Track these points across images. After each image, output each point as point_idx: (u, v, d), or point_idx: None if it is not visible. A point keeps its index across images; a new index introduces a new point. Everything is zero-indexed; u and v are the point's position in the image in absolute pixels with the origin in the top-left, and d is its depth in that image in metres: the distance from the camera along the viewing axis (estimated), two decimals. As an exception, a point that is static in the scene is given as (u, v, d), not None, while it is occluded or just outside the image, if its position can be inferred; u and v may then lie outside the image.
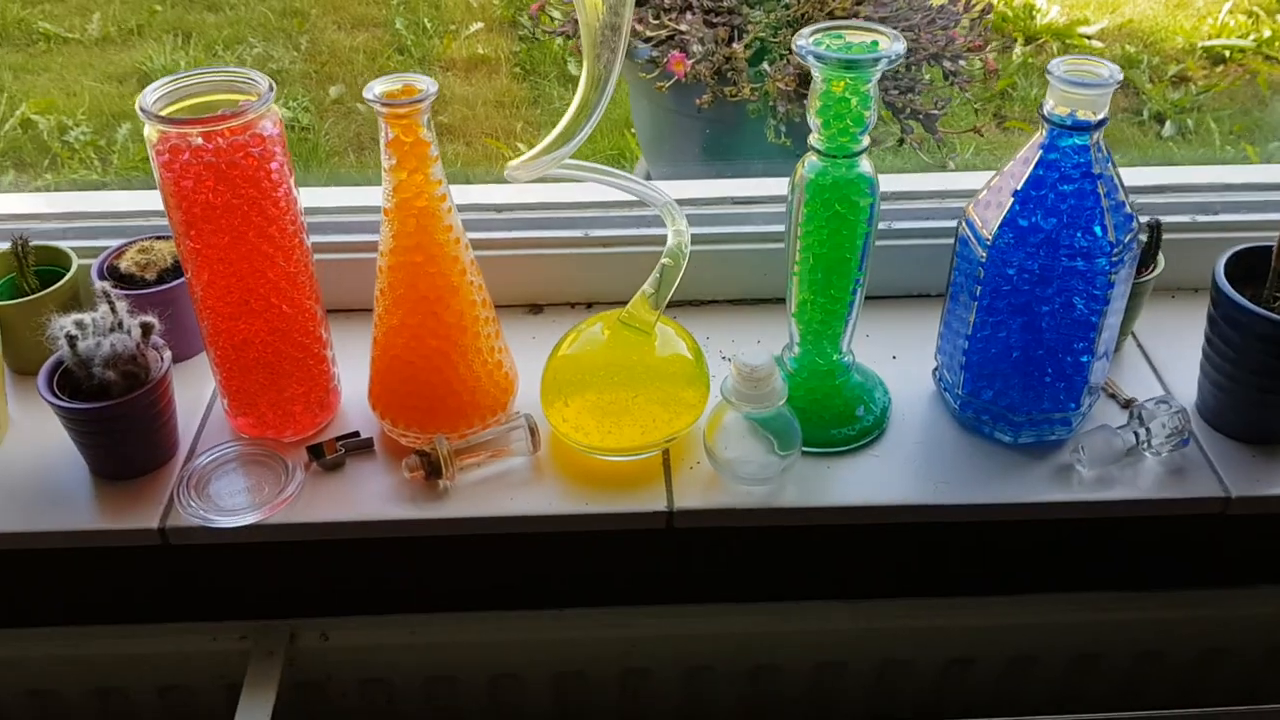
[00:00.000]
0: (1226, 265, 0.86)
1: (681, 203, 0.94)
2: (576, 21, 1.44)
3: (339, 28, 2.87)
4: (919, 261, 0.99)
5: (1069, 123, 0.77)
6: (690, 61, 1.33)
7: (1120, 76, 0.76)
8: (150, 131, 0.76)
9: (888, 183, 1.01)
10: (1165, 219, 0.98)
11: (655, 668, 0.94)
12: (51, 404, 0.81)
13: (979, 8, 1.44)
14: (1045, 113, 0.78)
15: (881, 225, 0.99)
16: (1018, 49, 2.72)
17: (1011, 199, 0.79)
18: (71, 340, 0.80)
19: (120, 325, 0.82)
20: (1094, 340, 0.82)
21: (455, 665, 0.93)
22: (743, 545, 0.90)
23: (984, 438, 0.88)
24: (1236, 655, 0.96)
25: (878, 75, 0.75)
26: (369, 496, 0.84)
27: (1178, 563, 0.93)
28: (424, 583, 0.92)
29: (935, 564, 0.93)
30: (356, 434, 0.88)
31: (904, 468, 0.86)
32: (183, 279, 0.91)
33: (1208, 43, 2.87)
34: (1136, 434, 0.85)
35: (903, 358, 0.95)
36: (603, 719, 0.96)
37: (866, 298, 0.98)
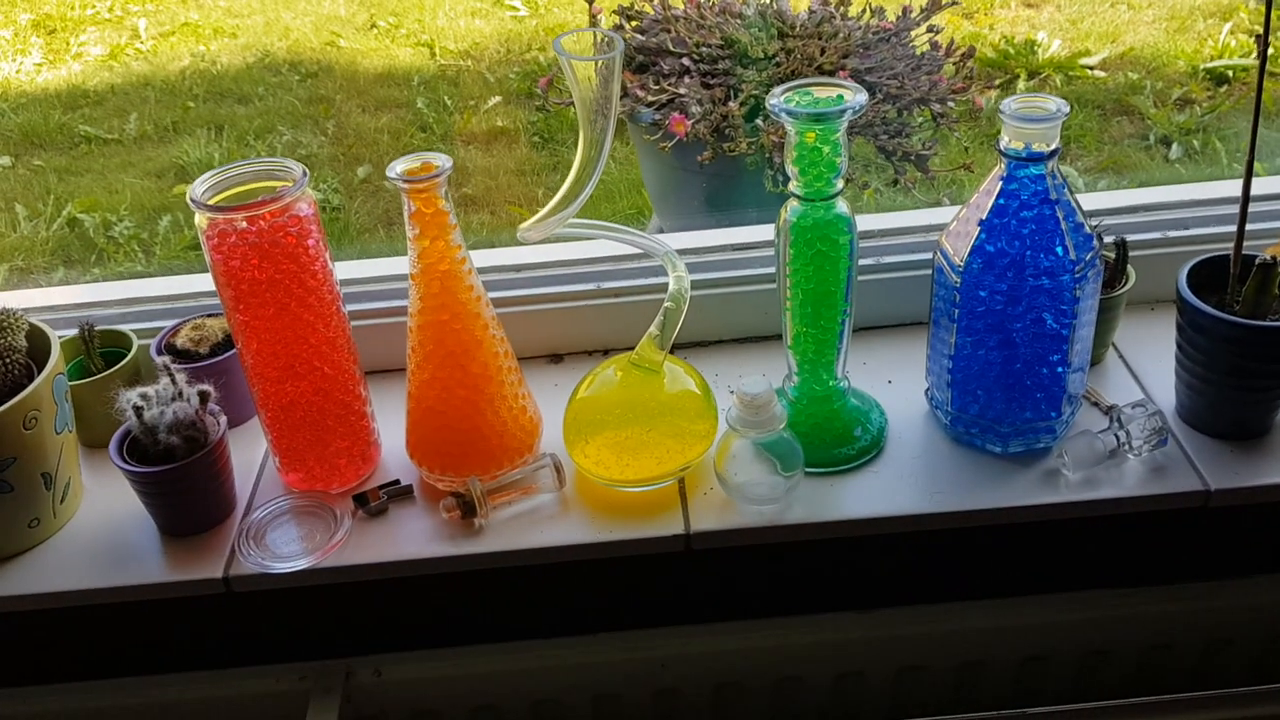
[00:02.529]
0: (1189, 275, 0.93)
1: (685, 252, 1.03)
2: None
3: (363, 110, 3.00)
4: (909, 291, 1.07)
5: (1024, 155, 0.84)
6: (690, 122, 1.42)
7: (1067, 110, 0.84)
8: (200, 219, 0.85)
9: (876, 221, 1.10)
10: (1139, 236, 1.05)
11: (685, 686, 1.01)
12: (123, 469, 0.90)
13: (960, 52, 1.52)
14: (1002, 148, 0.85)
15: (871, 260, 1.07)
16: (1020, 84, 2.80)
17: (978, 228, 0.87)
18: (138, 410, 0.89)
19: (180, 395, 0.91)
20: (1067, 352, 0.89)
21: (498, 694, 1.00)
22: (757, 563, 0.97)
23: (975, 449, 0.95)
24: (1237, 643, 1.01)
25: (844, 125, 0.83)
26: (411, 537, 0.92)
27: (1168, 557, 0.99)
28: (466, 616, 0.99)
29: (939, 570, 0.99)
30: (397, 482, 0.96)
31: (902, 481, 0.92)
32: (233, 351, 1.00)
33: (1210, 64, 2.94)
34: (1117, 436, 0.91)
35: (897, 381, 1.02)
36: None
37: (862, 328, 1.06)
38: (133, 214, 2.76)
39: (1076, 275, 0.86)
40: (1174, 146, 2.64)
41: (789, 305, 0.91)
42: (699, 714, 1.02)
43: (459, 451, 0.93)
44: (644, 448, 0.92)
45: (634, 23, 1.63)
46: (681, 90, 1.45)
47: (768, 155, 1.38)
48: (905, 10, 1.60)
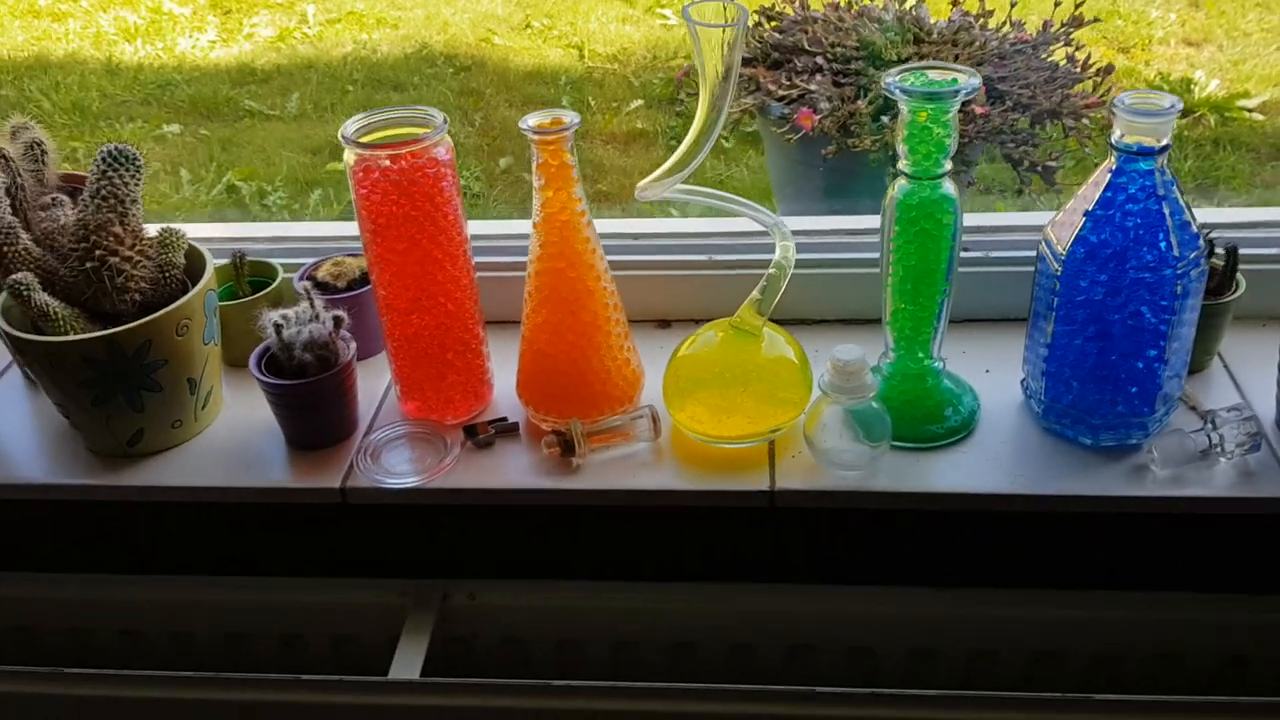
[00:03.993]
0: (1298, 285, 0.93)
1: (797, 233, 1.06)
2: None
3: (510, 105, 3.12)
4: (1015, 287, 1.08)
5: (1135, 149, 0.86)
6: (818, 117, 1.45)
7: (1180, 106, 0.85)
8: (349, 155, 0.93)
9: (986, 219, 1.12)
10: (1258, 251, 1.05)
11: (759, 643, 1.05)
12: (260, 381, 0.98)
13: (1096, 68, 1.52)
14: (1113, 141, 0.87)
15: (979, 254, 1.09)
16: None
17: (1083, 218, 0.89)
18: (278, 328, 0.97)
19: (317, 318, 0.99)
20: (1164, 348, 0.90)
21: (582, 630, 1.05)
22: (837, 528, 1.00)
23: (1066, 440, 0.96)
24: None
25: (957, 106, 0.86)
26: (513, 469, 0.98)
27: (1253, 564, 0.99)
28: (557, 552, 1.05)
29: (1016, 556, 1.00)
30: (505, 419, 1.02)
31: (988, 463, 0.94)
32: (368, 287, 1.08)
33: (1388, 111, 2.83)
34: (1209, 437, 0.92)
35: (996, 371, 1.04)
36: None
37: (967, 319, 1.09)
38: (287, 185, 2.92)
39: (1179, 272, 0.87)
40: (1337, 204, 2.55)
41: (890, 281, 0.94)
42: (770, 672, 1.05)
43: (563, 394, 0.99)
44: (738, 408, 0.96)
45: (773, 23, 1.67)
46: (813, 87, 1.49)
47: (891, 153, 1.40)
48: (1046, 24, 1.61)
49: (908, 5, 1.65)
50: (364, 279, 1.10)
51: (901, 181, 0.91)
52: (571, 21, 3.79)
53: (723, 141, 2.79)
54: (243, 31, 3.91)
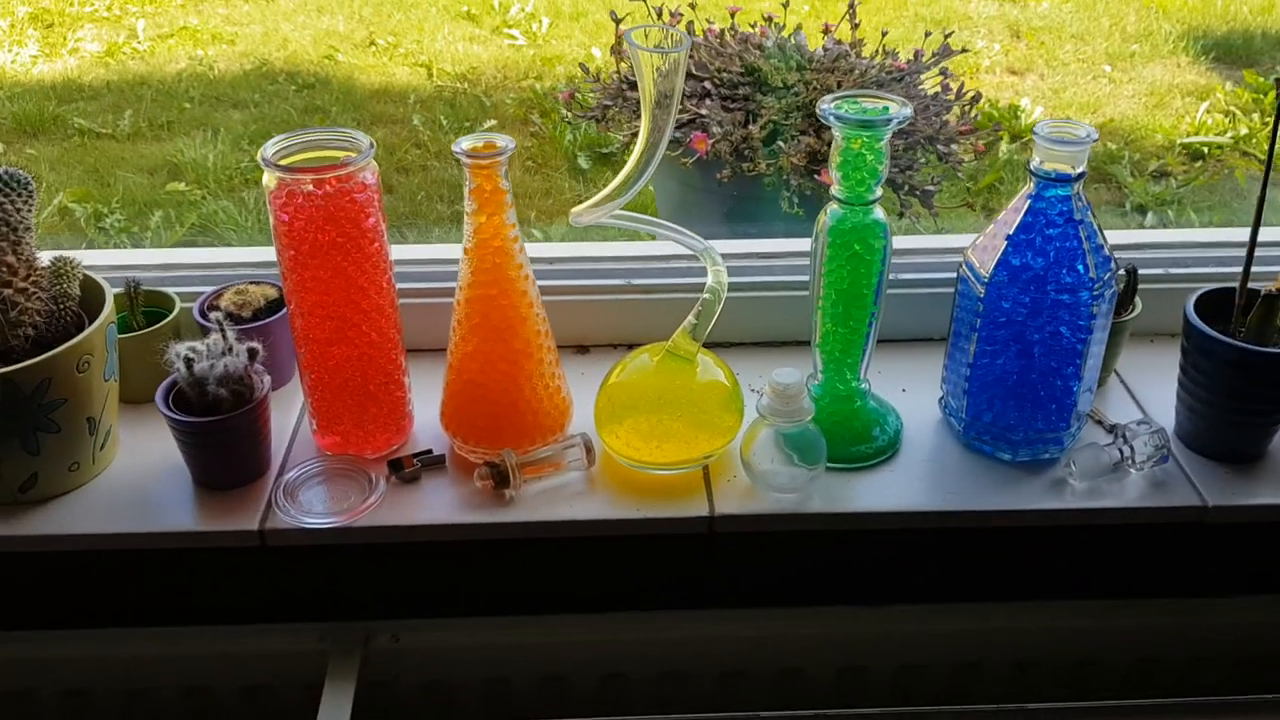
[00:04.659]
0: (1196, 304, 0.98)
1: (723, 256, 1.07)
2: (604, 107, 1.59)
3: (358, 124, 3.04)
4: (923, 308, 1.12)
5: (1053, 176, 0.90)
6: (711, 141, 1.47)
7: (1096, 136, 0.89)
8: (269, 179, 0.89)
9: (899, 242, 1.15)
10: (1143, 270, 1.11)
11: (693, 670, 1.04)
12: (169, 418, 0.92)
13: (968, 97, 1.59)
14: (1032, 168, 0.91)
15: (891, 276, 1.12)
16: (1004, 146, 2.89)
17: (1005, 242, 0.92)
18: (189, 362, 0.92)
19: (231, 350, 0.94)
20: (1080, 366, 0.94)
21: (510, 667, 1.03)
22: (774, 552, 1.01)
23: (986, 456, 0.99)
24: (1220, 660, 1.06)
25: (889, 134, 0.88)
26: (443, 504, 0.95)
27: (1164, 572, 1.04)
28: (485, 588, 1.02)
29: (945, 571, 1.03)
30: (429, 451, 0.99)
31: (916, 481, 0.97)
32: (277, 315, 1.03)
33: (1187, 140, 3.05)
34: (1121, 450, 0.96)
35: (911, 390, 1.07)
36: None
37: (879, 340, 1.11)
38: (124, 207, 2.77)
39: (1095, 293, 0.91)
40: (1149, 215, 2.73)
41: (820, 304, 0.96)
42: (703, 698, 1.05)
43: (495, 424, 0.96)
44: (673, 433, 0.95)
45: (655, 47, 1.68)
46: (703, 111, 1.50)
47: (785, 177, 1.43)
48: (917, 54, 1.67)
49: (786, 34, 1.69)
50: (270, 307, 1.05)
51: (834, 207, 0.93)
52: (417, 40, 3.73)
53: (580, 163, 2.79)
54: (67, 46, 3.71)
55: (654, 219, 0.96)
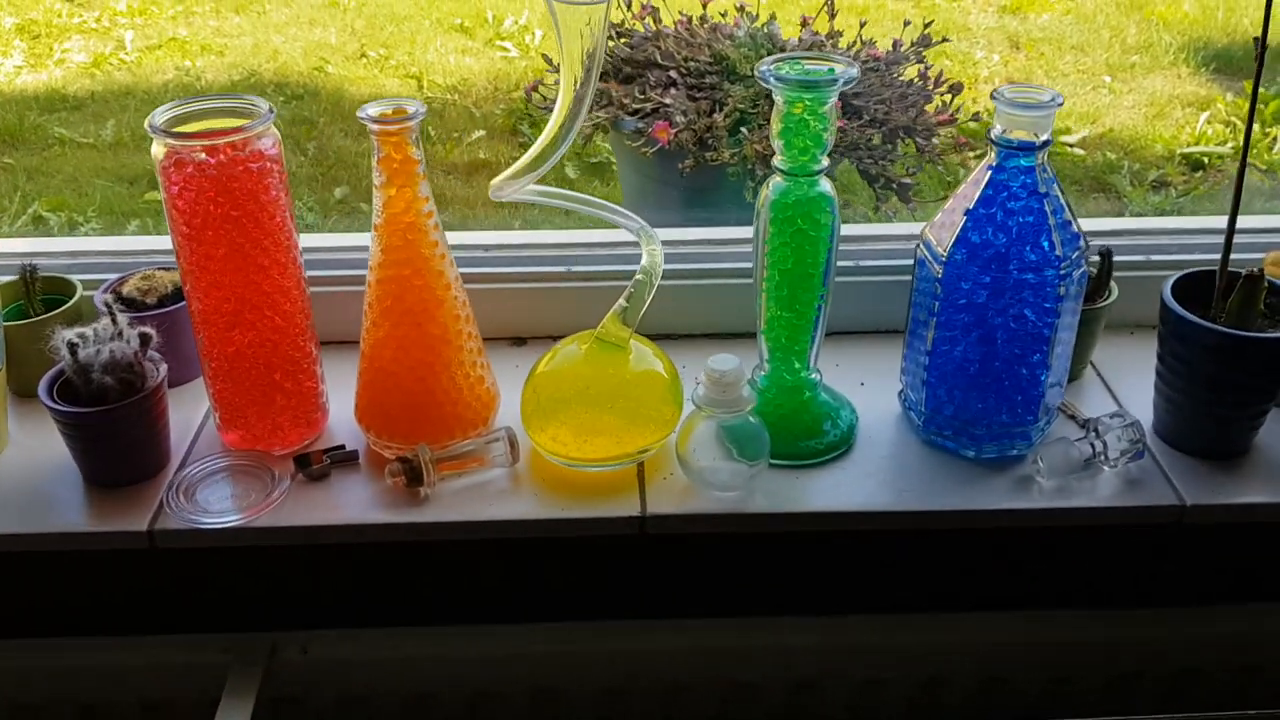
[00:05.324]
0: (1174, 288, 0.90)
1: (664, 243, 0.99)
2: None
3: (345, 135, 2.98)
4: (884, 297, 1.04)
5: (1015, 144, 0.82)
6: (674, 131, 1.40)
7: (1061, 100, 0.82)
8: (158, 149, 0.81)
9: (855, 229, 1.07)
10: (1121, 258, 1.03)
11: (633, 686, 0.96)
12: (51, 409, 0.85)
13: (947, 85, 1.51)
14: (993, 136, 0.83)
15: (849, 263, 1.04)
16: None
17: (964, 218, 0.84)
18: (73, 347, 0.84)
19: (120, 335, 0.86)
20: (1047, 354, 0.86)
21: (433, 682, 0.95)
22: (715, 555, 0.92)
23: (948, 453, 0.91)
24: (1204, 674, 0.98)
25: (834, 97, 0.81)
26: (352, 503, 0.87)
27: (1140, 577, 0.95)
28: (404, 596, 0.94)
29: (903, 578, 0.95)
30: (342, 447, 0.91)
31: (870, 479, 0.89)
32: (182, 304, 0.95)
33: (1187, 150, 2.97)
34: (1093, 445, 0.88)
35: (870, 384, 0.99)
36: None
37: (837, 332, 1.03)
38: (100, 216, 2.71)
39: (1061, 272, 0.83)
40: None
41: (764, 287, 0.88)
42: (645, 716, 0.97)
43: (409, 416, 0.89)
44: (604, 427, 0.88)
45: (624, 40, 1.61)
46: (667, 100, 1.43)
47: (750, 167, 1.36)
48: (896, 44, 1.60)
49: (759, 24, 1.62)
50: (178, 294, 0.98)
51: (776, 179, 0.85)
52: (409, 52, 3.67)
53: (567, 172, 2.73)
54: (53, 57, 3.66)
55: (581, 195, 0.89)
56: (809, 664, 0.95)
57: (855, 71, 0.81)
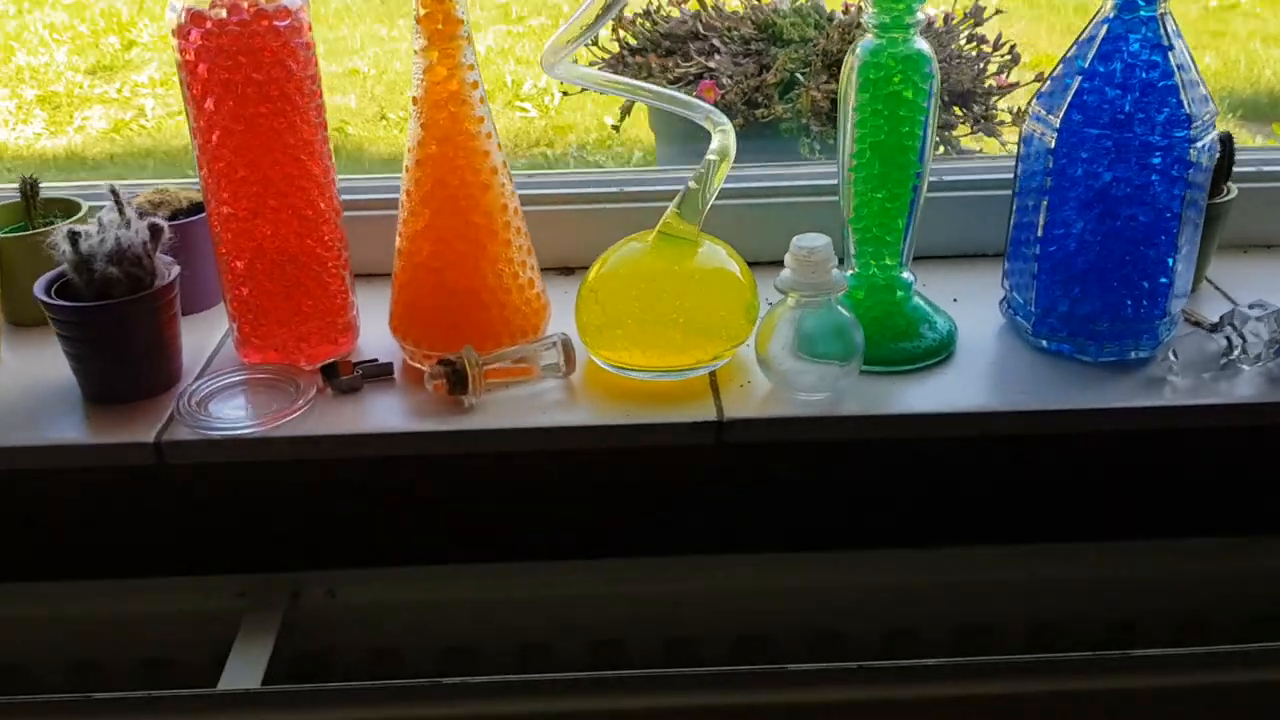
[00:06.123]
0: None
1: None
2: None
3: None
4: (975, 217, 0.94)
5: (1135, -13, 0.73)
6: (721, 91, 1.31)
7: (1186, -65, 0.73)
8: (172, 15, 0.73)
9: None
10: (1243, 169, 0.93)
11: (705, 633, 0.83)
12: (48, 306, 0.75)
13: (1005, 48, 1.43)
14: (1109, -19, 0.74)
15: (933, 178, 0.94)
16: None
17: (1079, 77, 0.75)
18: (74, 238, 0.75)
19: (128, 225, 0.77)
20: (1176, 235, 0.76)
21: (476, 632, 0.82)
22: (800, 474, 0.81)
23: (1064, 358, 0.80)
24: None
25: (932, -68, 0.72)
26: (386, 414, 0.76)
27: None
28: (443, 530, 0.83)
29: (1018, 502, 0.83)
30: (375, 360, 0.81)
31: (978, 383, 0.78)
32: (199, 216, 0.86)
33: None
34: (1229, 340, 0.77)
35: (965, 302, 0.88)
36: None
37: (924, 256, 0.93)
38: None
39: (1193, 134, 0.73)
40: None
41: (853, 165, 0.78)
42: (719, 662, 0.84)
43: (451, 320, 0.78)
44: (671, 330, 0.77)
45: (658, 23, 1.54)
46: (711, 64, 1.35)
47: (804, 121, 1.27)
48: (947, 18, 1.52)
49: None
50: (193, 210, 0.89)
51: (866, 38, 0.76)
52: (429, 114, 3.65)
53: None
54: (73, 124, 3.65)
55: (641, 84, 0.80)
56: (907, 607, 0.82)
57: (955, -97, 0.72)
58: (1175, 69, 0.74)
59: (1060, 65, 0.77)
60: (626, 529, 0.83)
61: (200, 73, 0.73)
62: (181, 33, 0.73)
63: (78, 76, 3.95)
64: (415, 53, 0.75)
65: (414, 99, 0.76)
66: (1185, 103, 0.73)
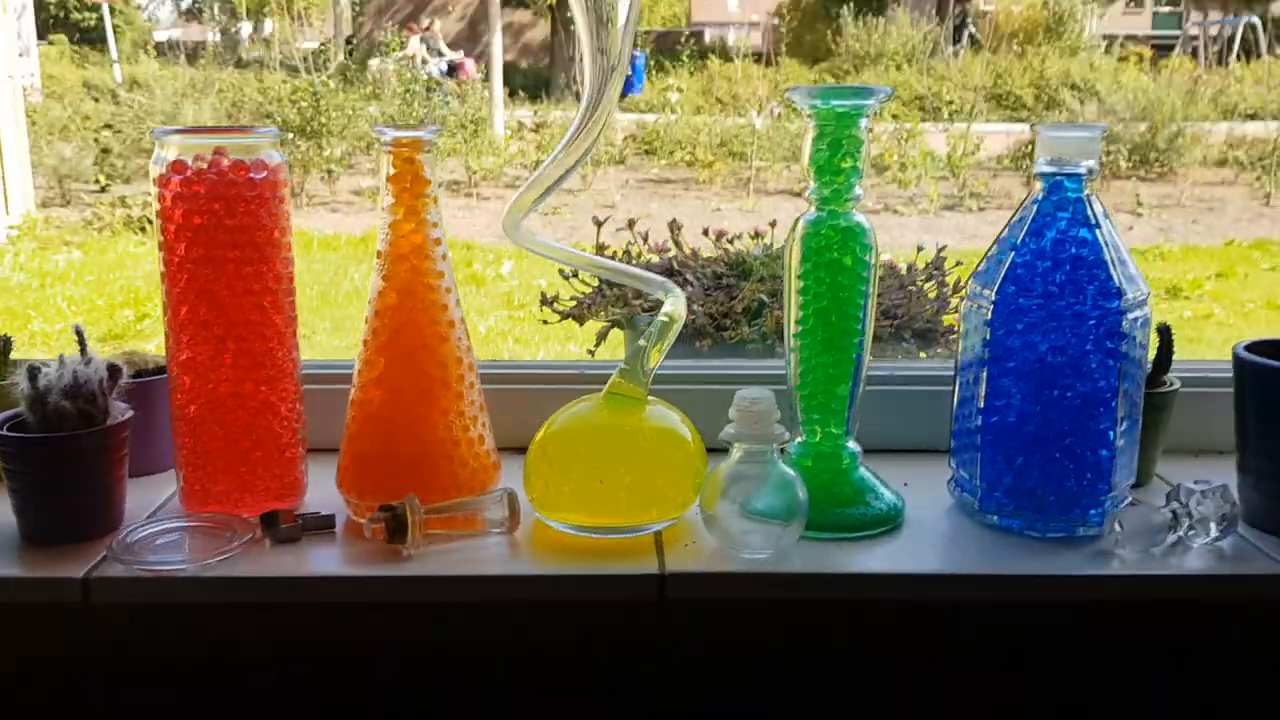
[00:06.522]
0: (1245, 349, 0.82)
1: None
2: (582, 304, 1.50)
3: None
4: (924, 412, 0.95)
5: (1062, 172, 0.78)
6: (690, 317, 1.36)
7: (1105, 127, 0.79)
8: (157, 164, 0.77)
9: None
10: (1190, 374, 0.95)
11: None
12: (-5, 437, 0.75)
13: (965, 291, 1.49)
14: (1038, 169, 0.79)
15: (885, 373, 0.96)
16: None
17: (1012, 252, 0.79)
18: (33, 373, 0.76)
19: (88, 364, 0.78)
20: (1114, 407, 0.77)
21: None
22: (742, 636, 0.78)
23: (1012, 534, 0.80)
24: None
25: (867, 120, 0.78)
26: (321, 562, 0.75)
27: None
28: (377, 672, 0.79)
29: (963, 665, 0.80)
30: (318, 513, 0.80)
31: (926, 551, 0.77)
32: (161, 377, 0.87)
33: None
34: (1175, 513, 0.77)
35: (915, 486, 0.88)
36: None
37: (871, 450, 0.93)
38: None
39: (1123, 307, 0.76)
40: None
41: (797, 331, 0.81)
42: None
43: (399, 469, 0.78)
44: (618, 491, 0.77)
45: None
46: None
47: (770, 342, 1.31)
48: (910, 268, 1.60)
49: (776, 247, 1.63)
50: (158, 371, 0.90)
51: (809, 212, 0.80)
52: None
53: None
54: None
55: (601, 259, 0.85)
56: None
57: (889, 89, 0.78)
58: (1104, 245, 0.77)
59: (994, 245, 0.81)
60: (564, 692, 0.79)
61: (176, 217, 0.77)
62: (162, 181, 0.77)
63: (88, 341, 4.08)
64: (383, 209, 0.79)
65: (378, 253, 0.79)
66: (1115, 277, 0.77)
